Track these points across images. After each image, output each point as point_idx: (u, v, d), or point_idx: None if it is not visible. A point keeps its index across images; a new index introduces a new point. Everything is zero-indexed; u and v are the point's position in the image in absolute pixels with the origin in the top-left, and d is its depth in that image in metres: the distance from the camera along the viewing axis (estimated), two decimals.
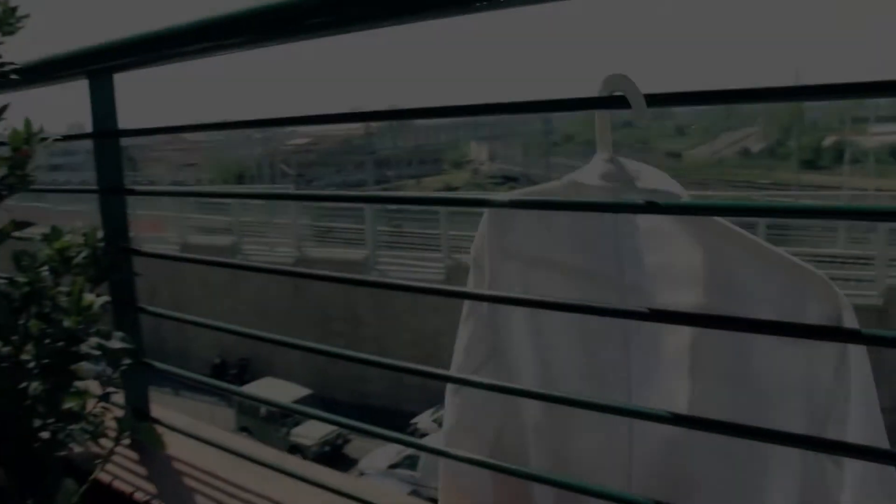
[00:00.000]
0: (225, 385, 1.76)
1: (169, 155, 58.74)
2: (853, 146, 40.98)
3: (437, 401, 13.51)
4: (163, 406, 1.80)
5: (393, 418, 13.38)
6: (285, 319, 15.88)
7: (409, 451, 12.58)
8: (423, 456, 12.24)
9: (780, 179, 47.41)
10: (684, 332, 1.10)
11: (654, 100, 0.93)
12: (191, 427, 1.72)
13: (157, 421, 1.74)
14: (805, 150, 51.81)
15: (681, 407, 1.09)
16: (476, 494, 1.28)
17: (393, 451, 13.10)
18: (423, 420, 13.37)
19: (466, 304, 1.28)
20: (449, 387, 1.29)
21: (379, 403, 15.19)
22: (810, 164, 54.16)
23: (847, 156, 38.85)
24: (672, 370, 1.11)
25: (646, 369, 1.14)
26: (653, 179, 1.10)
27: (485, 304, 1.26)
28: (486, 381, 1.18)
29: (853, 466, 0.95)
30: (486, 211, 1.24)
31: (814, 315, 0.97)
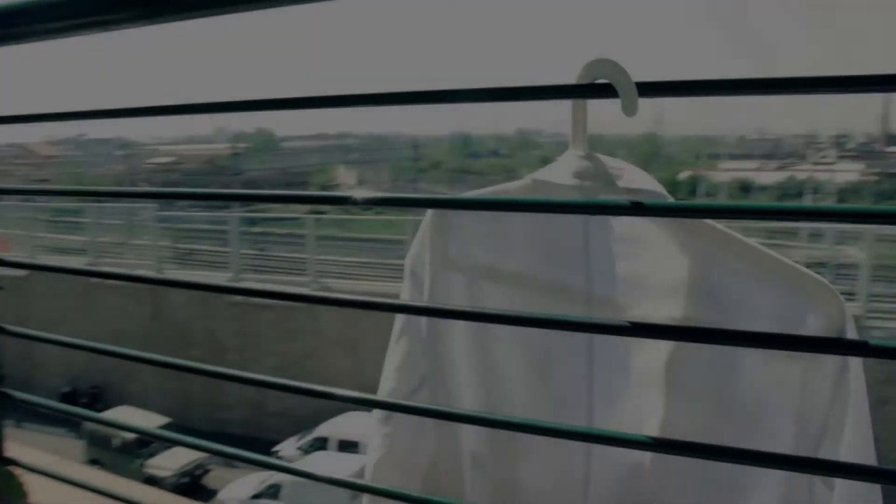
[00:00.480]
0: (97, 418, 1.56)
1: (17, 169, 55.54)
2: (706, 181, 43.22)
3: (301, 428, 13.22)
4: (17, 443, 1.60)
5: (255, 446, 12.88)
6: (142, 344, 15.16)
7: (272, 480, 12.23)
8: (286, 486, 11.90)
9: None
10: (660, 348, 0.99)
11: (646, 89, 0.80)
12: (53, 467, 1.53)
13: (13, 462, 1.54)
14: (662, 184, 53.84)
15: (652, 430, 0.98)
16: None
17: (256, 481, 12.68)
18: (286, 448, 13.01)
19: (399, 321, 1.15)
20: (376, 415, 1.15)
21: (241, 431, 14.69)
22: None
23: (701, 189, 40.91)
24: (643, 390, 1.01)
25: (611, 389, 1.03)
26: (636, 178, 1.00)
27: (422, 321, 1.12)
28: (423, 406, 1.07)
29: (842, 487, 0.90)
30: (427, 213, 1.11)
31: (814, 326, 0.90)
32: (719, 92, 0.72)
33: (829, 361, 0.89)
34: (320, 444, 12.62)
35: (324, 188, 64.93)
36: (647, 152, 66.42)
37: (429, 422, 1.12)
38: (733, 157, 50.75)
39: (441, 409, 1.07)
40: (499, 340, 1.09)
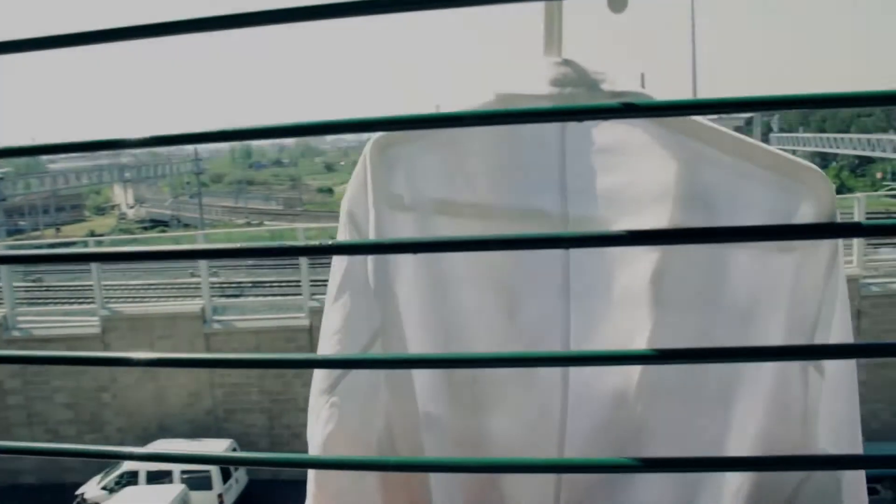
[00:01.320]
0: None
1: None
2: None
3: (103, 466, 12.34)
4: None
5: (53, 493, 12.00)
6: None
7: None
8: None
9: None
10: (644, 264, 0.94)
11: None
12: None
13: None
14: None
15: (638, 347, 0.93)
16: None
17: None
18: (89, 489, 12.07)
19: (336, 277, 1.00)
20: (316, 390, 1.00)
21: (34, 480, 13.47)
22: None
23: None
24: (627, 312, 0.96)
25: (590, 320, 0.98)
26: (619, 80, 0.92)
27: (362, 273, 0.98)
28: (378, 356, 0.95)
29: (831, 372, 0.90)
30: (366, 148, 0.98)
31: (807, 213, 0.87)
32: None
33: (824, 248, 0.88)
34: (130, 478, 11.89)
35: (99, 210, 61.19)
36: None
37: (381, 383, 0.98)
38: None
39: (398, 356, 0.96)
40: (457, 282, 1.00)
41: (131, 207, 58.58)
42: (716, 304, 0.94)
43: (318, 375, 1.00)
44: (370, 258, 0.98)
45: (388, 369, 0.98)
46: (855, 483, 0.91)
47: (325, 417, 0.99)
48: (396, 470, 0.90)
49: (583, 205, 0.96)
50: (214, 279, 16.11)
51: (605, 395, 0.98)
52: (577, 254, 0.98)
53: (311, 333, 12.64)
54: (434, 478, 1.00)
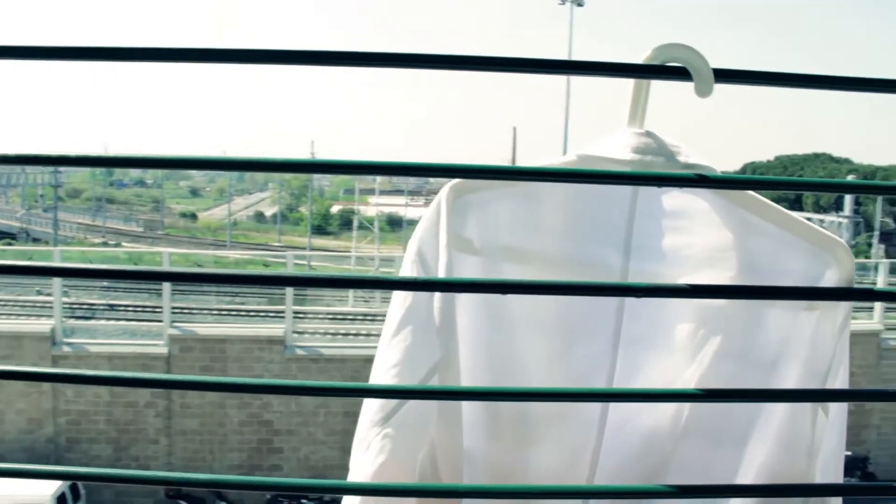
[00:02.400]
0: None
1: None
2: (358, 214, 44.84)
3: None
4: None
5: None
6: None
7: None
8: None
9: (293, 243, 49.77)
10: (688, 317, 1.05)
11: (722, 75, 0.82)
12: None
13: None
14: (315, 217, 55.14)
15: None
16: None
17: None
18: None
19: (396, 315, 1.05)
20: (367, 421, 1.03)
21: None
22: (320, 230, 57.75)
23: (354, 223, 42.39)
24: (668, 359, 1.07)
25: (635, 364, 1.08)
26: (692, 154, 1.02)
27: (425, 310, 1.03)
28: (433, 387, 1.02)
29: (833, 414, 1.03)
30: (442, 191, 1.04)
31: (831, 279, 1.01)
32: (786, 84, 0.77)
33: (841, 308, 1.01)
34: None
35: None
36: (298, 185, 67.55)
37: (431, 417, 1.03)
38: (383, 192, 53.21)
39: (450, 388, 1.03)
40: (514, 325, 1.08)
41: None
42: (748, 354, 1.05)
43: (371, 407, 1.03)
44: (437, 296, 1.03)
45: (441, 403, 1.03)
46: None
47: (378, 448, 1.02)
48: (438, 496, 0.94)
49: (643, 261, 1.07)
50: (66, 299, 15.30)
51: (637, 433, 1.08)
52: (631, 305, 1.08)
53: (169, 362, 12.19)
54: None
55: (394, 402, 1.02)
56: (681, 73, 0.84)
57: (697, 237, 1.05)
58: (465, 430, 1.06)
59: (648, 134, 1.02)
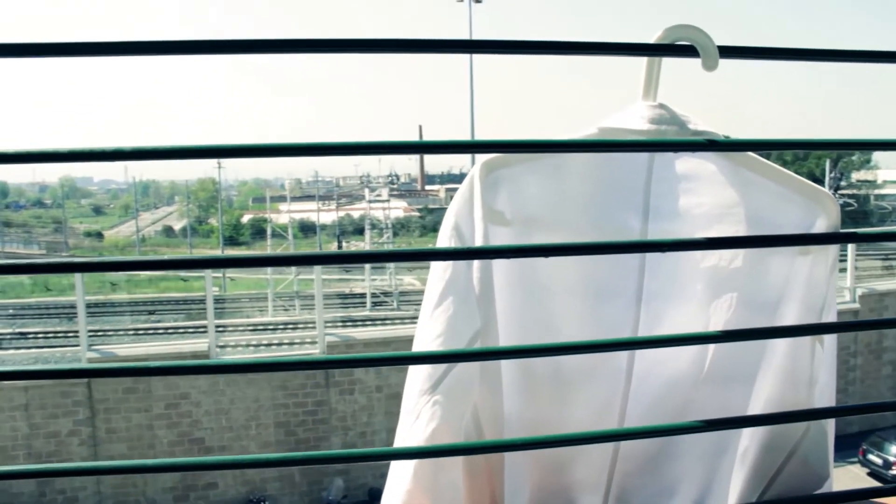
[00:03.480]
0: None
1: None
2: (270, 222, 44.18)
3: None
4: None
5: None
6: None
7: None
8: None
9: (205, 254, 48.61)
10: (701, 271, 1.16)
11: (727, 52, 0.90)
12: None
13: None
14: (226, 228, 54.09)
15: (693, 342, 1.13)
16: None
17: None
18: None
19: (436, 287, 1.12)
20: (415, 391, 1.10)
21: None
22: (232, 240, 56.69)
23: (268, 230, 41.78)
24: (685, 309, 1.17)
25: (656, 317, 1.18)
26: (700, 123, 1.12)
27: (464, 281, 1.11)
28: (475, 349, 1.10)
29: (827, 346, 1.14)
30: (474, 167, 1.13)
31: (821, 226, 1.12)
32: (786, 58, 0.85)
33: (831, 251, 1.13)
34: None
35: None
36: (206, 197, 66.31)
37: (475, 381, 1.12)
38: (294, 199, 52.57)
39: (492, 349, 1.12)
40: (546, 290, 1.17)
41: None
42: (754, 299, 1.16)
43: (419, 376, 1.09)
44: (476, 268, 1.11)
45: (483, 369, 1.11)
46: (832, 433, 1.16)
47: (429, 415, 1.08)
48: (483, 452, 1.11)
49: (660, 221, 1.16)
50: None
51: (661, 380, 1.19)
52: (651, 264, 1.18)
53: (89, 385, 11.77)
54: (508, 467, 1.16)
55: (440, 370, 1.09)
56: (688, 51, 0.92)
57: (707, 197, 1.15)
58: (505, 393, 1.15)
59: (661, 106, 1.13)
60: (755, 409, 1.16)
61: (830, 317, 1.14)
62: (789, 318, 1.14)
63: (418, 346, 1.12)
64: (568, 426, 1.19)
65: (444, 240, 1.13)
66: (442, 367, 1.09)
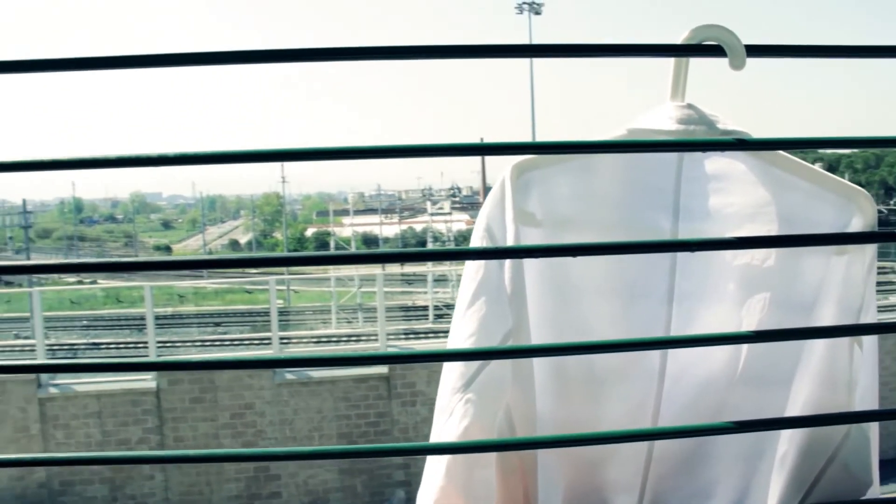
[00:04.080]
0: None
1: None
2: (334, 236, 44.69)
3: None
4: None
5: None
6: None
7: None
8: None
9: (270, 269, 49.50)
10: (733, 270, 1.15)
11: (755, 50, 0.90)
12: None
13: None
14: (291, 241, 54.90)
15: (727, 344, 1.13)
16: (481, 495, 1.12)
17: None
18: None
19: (469, 287, 1.12)
20: (448, 388, 1.10)
21: None
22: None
23: (331, 244, 42.28)
24: (717, 309, 1.17)
25: (689, 316, 1.18)
26: (728, 122, 1.12)
27: (496, 280, 1.11)
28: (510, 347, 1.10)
29: (866, 348, 1.11)
30: (506, 170, 1.13)
31: (857, 225, 1.11)
32: (814, 55, 0.84)
33: (868, 250, 1.10)
34: None
35: None
36: (271, 211, 67.32)
37: (508, 379, 1.11)
38: (357, 212, 53.09)
39: (524, 347, 1.11)
40: (577, 290, 1.17)
41: None
42: (789, 299, 1.14)
43: (452, 374, 1.10)
44: (507, 267, 1.11)
45: (515, 368, 1.11)
46: (875, 437, 1.13)
47: (462, 413, 1.08)
48: (515, 449, 1.10)
49: (690, 221, 1.16)
50: (47, 341, 15.09)
51: (694, 381, 1.18)
52: (682, 264, 1.17)
53: (158, 396, 12.07)
54: (541, 466, 1.14)
55: (473, 369, 1.09)
56: (715, 51, 0.92)
57: (737, 196, 1.14)
58: (537, 393, 1.15)
59: (690, 106, 1.13)
60: (792, 412, 1.14)
61: (869, 318, 1.11)
62: (825, 320, 1.12)
63: (451, 346, 1.13)
64: (600, 427, 1.19)
65: (477, 241, 1.13)
66: (475, 365, 1.09)
